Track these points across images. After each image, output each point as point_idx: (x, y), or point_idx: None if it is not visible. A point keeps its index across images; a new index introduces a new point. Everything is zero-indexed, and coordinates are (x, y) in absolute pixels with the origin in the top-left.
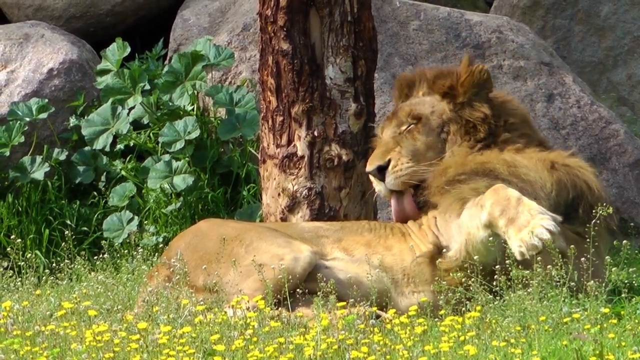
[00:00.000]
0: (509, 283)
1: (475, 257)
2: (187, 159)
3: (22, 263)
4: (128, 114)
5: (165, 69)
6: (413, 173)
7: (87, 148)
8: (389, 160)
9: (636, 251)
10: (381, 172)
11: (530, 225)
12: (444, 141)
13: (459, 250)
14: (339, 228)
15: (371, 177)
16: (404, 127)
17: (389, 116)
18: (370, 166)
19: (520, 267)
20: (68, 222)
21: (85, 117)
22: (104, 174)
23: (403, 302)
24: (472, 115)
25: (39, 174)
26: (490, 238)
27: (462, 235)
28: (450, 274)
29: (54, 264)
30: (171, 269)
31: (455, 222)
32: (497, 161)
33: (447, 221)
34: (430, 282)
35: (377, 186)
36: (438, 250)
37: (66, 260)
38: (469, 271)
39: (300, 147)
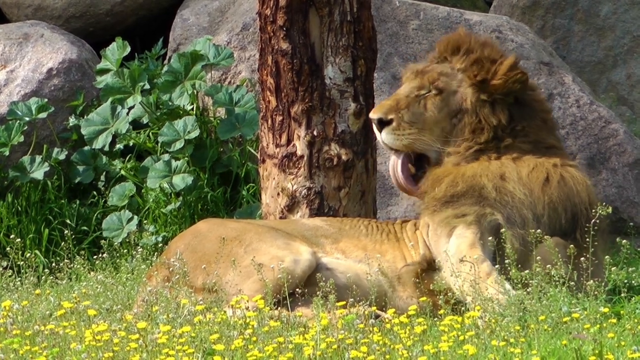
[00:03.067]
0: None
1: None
2: (186, 158)
3: (22, 262)
4: (127, 114)
5: (165, 68)
6: (413, 141)
7: (86, 148)
8: (391, 120)
9: (637, 250)
10: (381, 124)
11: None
12: (454, 125)
13: (442, 279)
14: (337, 230)
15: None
16: (422, 92)
17: (419, 70)
18: (374, 114)
19: (519, 266)
20: (67, 221)
21: (85, 117)
22: (104, 173)
23: (402, 306)
24: (487, 117)
25: (38, 174)
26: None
27: (443, 270)
28: (435, 293)
29: (53, 264)
30: (170, 269)
31: (444, 242)
32: (486, 174)
33: (438, 236)
34: (418, 291)
35: (377, 133)
36: (426, 264)
37: (66, 260)
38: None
39: (300, 146)
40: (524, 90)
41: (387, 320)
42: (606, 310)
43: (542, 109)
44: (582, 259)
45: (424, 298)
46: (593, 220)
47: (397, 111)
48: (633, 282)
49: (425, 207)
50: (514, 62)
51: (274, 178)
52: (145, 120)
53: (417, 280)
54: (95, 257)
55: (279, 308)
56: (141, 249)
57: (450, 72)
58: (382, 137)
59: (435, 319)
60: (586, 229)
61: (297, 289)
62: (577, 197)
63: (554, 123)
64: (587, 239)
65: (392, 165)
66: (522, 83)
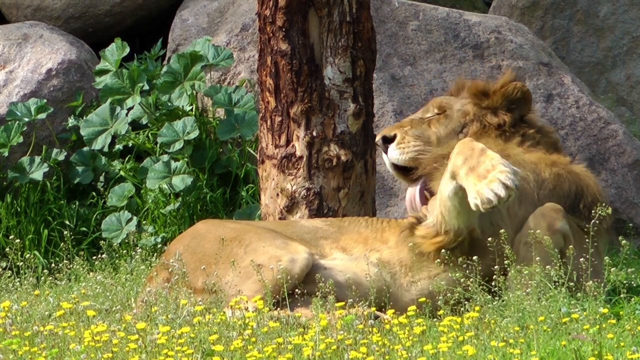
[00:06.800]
0: (507, 283)
1: (453, 223)
2: (185, 159)
3: (21, 263)
4: (127, 115)
5: (164, 69)
6: (419, 153)
7: (85, 148)
8: (395, 135)
9: (637, 251)
10: (385, 143)
11: (488, 177)
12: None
13: (436, 215)
14: (337, 229)
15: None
16: (427, 115)
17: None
18: (378, 136)
19: (518, 266)
20: (67, 222)
21: (84, 118)
22: (103, 174)
23: (404, 295)
24: (491, 120)
25: (37, 174)
26: (457, 191)
27: (437, 200)
28: (427, 241)
29: (52, 264)
30: (170, 270)
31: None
32: (489, 147)
33: (435, 199)
34: (415, 260)
35: (384, 157)
36: (417, 220)
37: (65, 261)
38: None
39: (299, 147)
40: (526, 102)
41: (386, 320)
42: (605, 311)
43: (551, 131)
44: (582, 259)
45: (423, 299)
46: (593, 221)
47: (400, 128)
48: (632, 282)
49: (426, 175)
50: (515, 73)
51: (273, 179)
52: (144, 121)
53: (410, 235)
54: (94, 257)
55: (279, 309)
56: (140, 250)
57: (454, 98)
58: (389, 155)
59: (435, 319)
60: (590, 211)
61: (297, 290)
62: (584, 182)
63: (562, 147)
64: (590, 215)
65: (409, 195)
66: (522, 93)
